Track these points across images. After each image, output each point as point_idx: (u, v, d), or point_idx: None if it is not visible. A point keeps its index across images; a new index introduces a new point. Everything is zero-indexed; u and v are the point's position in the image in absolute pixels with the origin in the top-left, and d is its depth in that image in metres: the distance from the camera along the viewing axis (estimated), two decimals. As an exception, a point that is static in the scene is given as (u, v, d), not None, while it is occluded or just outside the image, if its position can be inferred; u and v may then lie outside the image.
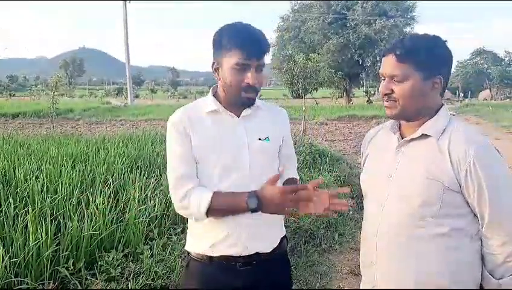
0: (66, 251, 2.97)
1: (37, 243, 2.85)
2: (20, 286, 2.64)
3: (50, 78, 15.75)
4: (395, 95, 1.48)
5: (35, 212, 3.25)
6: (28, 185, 4.06)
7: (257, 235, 1.68)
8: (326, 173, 6.21)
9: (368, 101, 37.94)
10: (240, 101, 1.64)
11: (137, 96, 52.10)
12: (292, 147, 1.90)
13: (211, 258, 1.69)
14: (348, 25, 32.46)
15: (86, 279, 2.92)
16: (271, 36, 36.56)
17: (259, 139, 1.69)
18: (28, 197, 3.85)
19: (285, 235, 1.85)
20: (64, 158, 5.20)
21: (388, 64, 1.48)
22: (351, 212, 5.78)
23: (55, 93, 13.78)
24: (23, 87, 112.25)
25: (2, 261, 2.62)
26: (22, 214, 3.40)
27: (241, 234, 1.66)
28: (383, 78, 1.52)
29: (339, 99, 36.37)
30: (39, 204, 3.59)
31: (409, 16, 33.87)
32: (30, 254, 2.80)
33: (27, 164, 4.86)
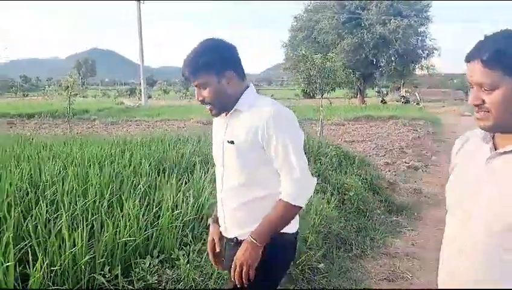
0: (102, 257, 2.88)
1: (73, 250, 2.75)
2: (58, 294, 2.55)
3: (63, 79, 15.81)
4: (487, 105, 1.31)
5: (67, 216, 3.17)
6: (56, 188, 3.98)
7: (237, 222, 1.90)
8: (354, 175, 6.07)
9: (382, 101, 37.63)
10: None
11: (149, 97, 52.27)
12: (282, 150, 1.77)
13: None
14: (363, 24, 32.20)
15: (123, 286, 2.83)
16: (282, 37, 36.45)
17: (228, 141, 1.86)
18: (56, 201, 3.77)
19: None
20: (90, 160, 5.13)
21: (474, 72, 1.29)
22: (381, 216, 5.65)
23: (68, 93, 13.83)
24: (36, 87, 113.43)
25: (40, 269, 2.53)
26: (53, 218, 3.32)
27: (225, 217, 1.95)
28: (471, 86, 1.36)
29: (352, 100, 36.12)
30: (70, 208, 3.51)
31: (423, 16, 33.52)
32: (66, 261, 2.71)
33: (52, 166, 4.79)
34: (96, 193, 3.84)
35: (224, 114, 1.90)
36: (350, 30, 32.46)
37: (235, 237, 1.91)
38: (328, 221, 4.53)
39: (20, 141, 7.82)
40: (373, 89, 47.70)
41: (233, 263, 1.81)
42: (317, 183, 5.35)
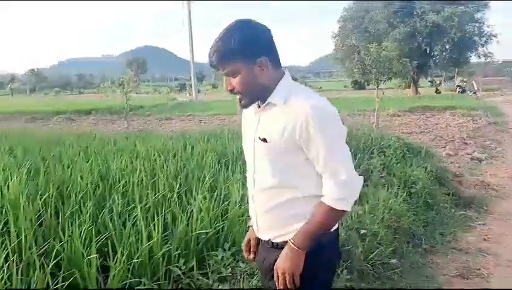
0: (177, 250, 2.90)
1: (151, 242, 2.79)
2: (139, 287, 2.59)
3: (116, 77, 16.28)
4: None
5: (141, 209, 3.22)
6: (125, 182, 4.07)
7: (269, 224, 1.75)
8: (419, 168, 5.84)
9: (436, 91, 36.31)
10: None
11: (198, 92, 53.02)
12: (324, 151, 1.58)
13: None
14: (415, 12, 31.10)
15: (198, 279, 2.84)
16: (334, 27, 35.83)
17: (260, 138, 1.67)
18: (127, 194, 3.85)
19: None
20: (155, 154, 5.22)
21: None
22: (449, 210, 5.42)
23: (124, 90, 14.24)
24: (90, 84, 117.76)
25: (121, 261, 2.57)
26: (126, 211, 3.39)
27: (257, 218, 1.80)
28: None
29: (405, 90, 35.07)
30: (142, 201, 3.57)
31: (480, 2, 31.93)
32: (143, 253, 2.74)
33: (119, 160, 4.91)
34: (164, 185, 3.89)
35: (256, 106, 1.72)
36: (402, 19, 31.44)
37: (269, 240, 1.76)
38: (397, 215, 4.37)
39: (84, 136, 8.12)
40: (426, 78, 46.07)
41: (275, 271, 1.67)
42: (382, 177, 5.23)
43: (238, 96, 1.67)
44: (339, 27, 35.75)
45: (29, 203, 3.33)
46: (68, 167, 4.57)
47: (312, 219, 1.63)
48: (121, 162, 4.77)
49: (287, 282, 1.64)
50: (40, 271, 2.34)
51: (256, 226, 1.82)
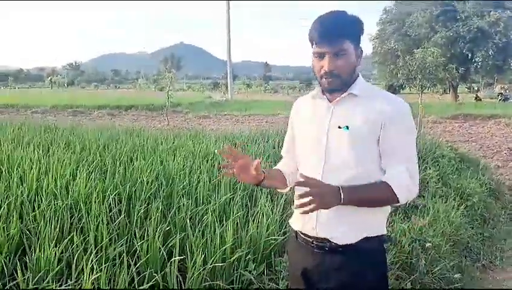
0: (248, 254, 2.93)
1: (226, 246, 2.82)
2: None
3: (151, 74, 16.55)
4: None
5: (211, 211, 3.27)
6: (188, 181, 4.13)
7: (331, 222, 1.65)
8: (474, 179, 5.71)
9: (476, 98, 35.38)
10: (324, 88, 1.68)
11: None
12: (401, 144, 1.62)
13: (296, 233, 1.80)
14: (458, 17, 30.38)
15: (268, 284, 2.86)
16: (372, 30, 35.48)
17: (339, 127, 1.64)
18: (188, 194, 3.91)
19: (373, 238, 1.68)
20: (210, 154, 5.29)
21: None
22: (506, 224, 5.29)
23: (157, 87, 14.44)
24: (126, 80, 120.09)
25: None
26: (195, 212, 3.45)
27: (318, 216, 1.66)
28: None
29: (443, 96, 34.27)
30: (208, 202, 3.62)
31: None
32: (217, 256, 2.78)
33: (177, 159, 4.98)
34: (227, 187, 3.94)
35: (324, 97, 1.70)
36: (444, 23, 30.77)
37: (326, 239, 1.66)
38: (456, 228, 4.29)
39: (132, 133, 8.27)
40: (464, 84, 44.90)
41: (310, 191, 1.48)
42: (438, 188, 5.13)
43: (329, 79, 1.62)
44: (378, 30, 35.27)
45: (100, 200, 3.43)
46: (128, 165, 4.67)
47: (370, 186, 1.61)
48: (179, 162, 4.84)
49: (310, 201, 1.48)
50: (127, 270, 2.40)
51: (313, 223, 1.67)
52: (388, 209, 1.74)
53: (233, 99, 32.68)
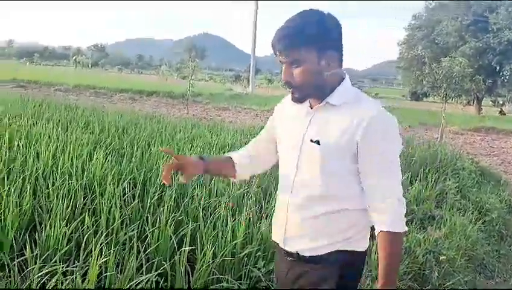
0: (258, 251, 2.88)
1: (236, 241, 2.78)
2: (221, 284, 2.59)
3: (175, 61, 16.54)
4: None
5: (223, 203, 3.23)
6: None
7: (302, 235, 1.56)
8: (493, 195, 5.57)
9: (500, 112, 34.74)
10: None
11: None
12: (387, 171, 1.46)
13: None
14: (489, 28, 29.78)
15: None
16: (400, 35, 34.93)
17: (311, 140, 1.51)
18: (204, 186, 3.88)
19: (344, 252, 1.53)
20: (227, 146, 5.26)
21: None
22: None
23: (180, 75, 14.45)
24: (149, 66, 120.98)
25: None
26: (208, 204, 3.41)
27: (287, 227, 1.59)
28: None
29: (466, 107, 33.73)
30: (221, 195, 3.59)
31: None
32: (227, 251, 2.74)
33: (194, 149, 4.96)
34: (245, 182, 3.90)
35: (307, 105, 1.56)
36: (474, 33, 30.20)
37: (296, 252, 1.57)
38: (472, 243, 4.18)
39: (154, 119, 8.29)
40: (490, 97, 44.09)
41: None
42: (456, 200, 5.02)
43: (291, 89, 1.52)
44: (406, 35, 34.82)
45: (115, 183, 3.41)
46: (145, 151, 4.67)
47: (383, 258, 1.46)
48: (196, 152, 4.81)
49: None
50: (136, 256, 2.37)
51: (283, 236, 1.60)
52: (365, 225, 1.57)
53: (254, 93, 32.62)
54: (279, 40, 1.46)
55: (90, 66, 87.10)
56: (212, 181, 3.81)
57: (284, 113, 1.69)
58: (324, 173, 1.49)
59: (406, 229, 1.50)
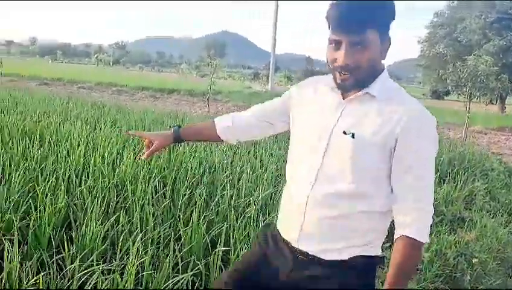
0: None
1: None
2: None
3: (194, 59, 16.61)
4: None
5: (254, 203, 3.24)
6: (229, 172, 4.12)
7: (317, 235, 1.43)
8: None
9: (525, 111, 33.98)
10: (336, 83, 1.39)
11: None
12: (423, 173, 1.35)
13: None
14: (515, 26, 29.21)
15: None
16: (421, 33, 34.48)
17: (344, 132, 1.37)
18: (230, 185, 3.89)
19: (363, 257, 1.43)
20: (255, 148, 5.26)
21: None
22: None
23: (199, 73, 14.45)
24: (169, 64, 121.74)
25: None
26: (237, 203, 3.42)
27: (303, 225, 1.45)
28: None
29: (489, 106, 33.09)
30: (250, 195, 3.60)
31: None
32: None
33: (221, 149, 4.98)
34: (271, 181, 3.90)
35: (338, 94, 1.43)
36: (499, 31, 29.59)
37: (306, 252, 1.45)
38: (504, 246, 4.11)
39: (176, 117, 8.35)
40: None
41: None
42: (485, 202, 4.94)
43: (344, 74, 1.35)
44: (427, 32, 34.32)
45: (145, 182, 3.45)
46: (172, 150, 4.70)
47: (399, 263, 1.34)
48: (223, 150, 4.83)
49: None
50: (172, 255, 2.39)
51: (296, 233, 1.46)
52: (384, 230, 1.48)
53: (273, 91, 32.57)
54: (350, 15, 1.30)
55: (111, 63, 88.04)
56: (240, 181, 3.82)
57: (304, 99, 1.56)
58: (355, 168, 1.37)
59: (428, 241, 1.39)
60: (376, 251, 1.47)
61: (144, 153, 1.71)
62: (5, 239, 2.39)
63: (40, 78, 24.83)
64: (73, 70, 39.74)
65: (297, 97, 1.59)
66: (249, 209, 3.20)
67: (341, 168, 1.38)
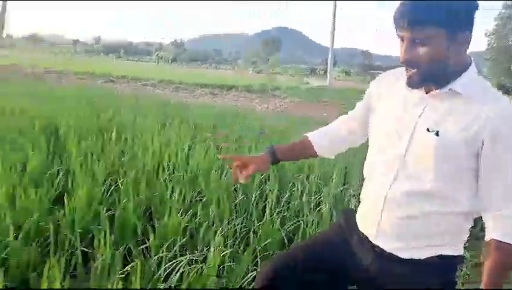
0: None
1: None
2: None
3: (250, 55, 16.75)
4: None
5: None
6: (297, 169, 4.15)
7: (398, 234, 1.41)
8: None
9: None
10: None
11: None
12: (508, 168, 1.29)
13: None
14: None
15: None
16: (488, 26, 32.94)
17: (428, 130, 1.33)
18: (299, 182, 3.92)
19: (444, 256, 1.40)
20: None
21: None
22: None
23: (255, 69, 14.60)
24: (225, 60, 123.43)
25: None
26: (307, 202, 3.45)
27: (381, 223, 1.43)
28: None
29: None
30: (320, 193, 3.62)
31: None
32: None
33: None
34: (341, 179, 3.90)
35: (421, 90, 1.40)
36: None
37: (384, 249, 1.44)
38: None
39: (237, 114, 8.50)
40: None
41: None
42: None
43: (410, 71, 1.35)
44: (495, 25, 32.69)
45: (218, 176, 3.55)
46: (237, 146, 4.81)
47: (490, 270, 1.33)
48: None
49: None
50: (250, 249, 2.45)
51: (373, 230, 1.46)
52: (466, 230, 1.45)
53: (331, 87, 32.23)
54: (409, 10, 1.30)
55: (170, 61, 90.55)
56: (309, 178, 3.84)
57: (383, 92, 1.54)
58: (438, 168, 1.33)
59: None
60: (456, 251, 1.44)
61: (240, 176, 1.63)
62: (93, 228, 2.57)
63: (106, 75, 25.96)
64: (135, 68, 41.19)
65: (376, 91, 1.57)
66: (321, 206, 3.21)
67: (423, 167, 1.35)
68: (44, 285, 1.79)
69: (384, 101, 1.52)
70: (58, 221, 2.58)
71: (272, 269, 1.59)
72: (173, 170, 3.73)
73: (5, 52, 36.64)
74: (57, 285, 1.74)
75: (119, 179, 3.25)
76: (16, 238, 2.25)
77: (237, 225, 2.86)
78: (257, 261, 2.46)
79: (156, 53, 77.19)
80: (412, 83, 1.37)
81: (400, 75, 1.48)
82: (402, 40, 1.35)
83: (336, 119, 1.77)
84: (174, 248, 2.43)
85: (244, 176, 1.62)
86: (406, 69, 1.36)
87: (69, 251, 2.33)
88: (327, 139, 1.73)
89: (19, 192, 2.72)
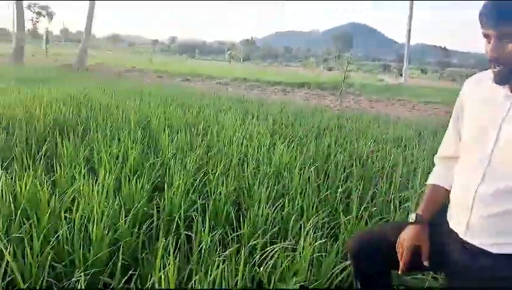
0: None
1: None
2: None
3: (321, 52, 16.56)
4: None
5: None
6: (380, 167, 4.15)
7: (488, 230, 1.42)
8: None
9: None
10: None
11: (401, 75, 51.05)
12: None
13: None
14: None
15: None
16: None
17: None
18: (385, 180, 3.92)
19: None
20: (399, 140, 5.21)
21: None
22: None
23: (326, 66, 14.42)
24: (296, 58, 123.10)
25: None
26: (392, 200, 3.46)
27: (470, 220, 1.47)
28: None
29: None
30: (406, 191, 3.60)
31: None
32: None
33: (365, 142, 5.02)
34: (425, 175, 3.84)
35: (506, 87, 1.40)
36: None
37: (474, 245, 1.46)
38: None
39: (314, 112, 8.54)
40: None
41: None
42: None
43: (497, 68, 1.36)
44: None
45: (301, 171, 3.65)
46: (319, 141, 4.87)
47: None
48: (368, 145, 4.87)
49: None
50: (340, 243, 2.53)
51: (463, 226, 1.49)
52: None
53: (407, 84, 31.22)
54: (496, 7, 1.31)
55: (242, 60, 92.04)
56: (394, 175, 3.84)
57: (470, 96, 1.57)
58: None
59: None
60: None
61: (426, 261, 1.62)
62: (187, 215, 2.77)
63: (182, 74, 26.94)
64: (209, 66, 42.38)
65: (466, 97, 1.59)
66: (407, 203, 3.21)
67: (509, 165, 1.37)
68: (158, 263, 1.99)
69: (471, 103, 1.55)
70: (158, 207, 2.81)
71: (359, 241, 1.80)
72: (258, 164, 3.88)
73: (93, 53, 39.13)
74: (171, 262, 1.92)
75: (210, 172, 3.44)
76: (124, 222, 2.49)
77: (321, 219, 2.94)
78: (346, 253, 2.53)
79: (229, 52, 78.62)
80: (499, 80, 1.39)
81: (484, 76, 1.53)
82: (486, 37, 1.37)
83: (440, 164, 1.77)
84: (266, 237, 2.56)
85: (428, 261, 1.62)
86: (493, 66, 1.37)
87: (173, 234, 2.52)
88: (449, 184, 1.68)
89: (123, 181, 2.99)
